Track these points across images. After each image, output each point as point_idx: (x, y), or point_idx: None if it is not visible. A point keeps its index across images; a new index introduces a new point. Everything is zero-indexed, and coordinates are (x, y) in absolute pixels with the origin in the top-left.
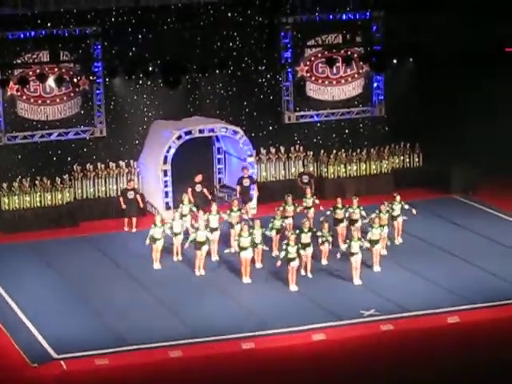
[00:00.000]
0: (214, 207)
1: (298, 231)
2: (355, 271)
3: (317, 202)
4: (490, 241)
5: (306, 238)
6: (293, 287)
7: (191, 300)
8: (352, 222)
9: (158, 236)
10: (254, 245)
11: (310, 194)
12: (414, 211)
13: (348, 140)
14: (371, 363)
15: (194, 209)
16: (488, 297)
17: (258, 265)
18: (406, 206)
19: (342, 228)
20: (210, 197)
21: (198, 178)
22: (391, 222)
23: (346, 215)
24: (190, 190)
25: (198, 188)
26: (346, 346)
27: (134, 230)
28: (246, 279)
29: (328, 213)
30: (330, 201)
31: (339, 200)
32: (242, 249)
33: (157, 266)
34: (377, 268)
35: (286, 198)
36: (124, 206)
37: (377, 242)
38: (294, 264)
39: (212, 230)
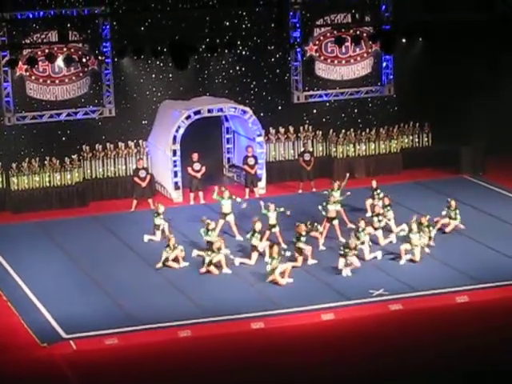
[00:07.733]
0: (227, 193)
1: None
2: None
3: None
4: (500, 221)
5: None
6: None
7: (200, 279)
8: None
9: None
10: (270, 227)
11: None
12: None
13: (357, 119)
14: (380, 343)
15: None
16: (497, 276)
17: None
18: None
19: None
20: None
21: (195, 156)
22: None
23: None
24: (189, 168)
25: (197, 166)
26: (354, 326)
27: (153, 207)
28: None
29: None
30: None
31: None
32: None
33: (227, 270)
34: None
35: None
36: (144, 184)
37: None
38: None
39: (225, 215)
